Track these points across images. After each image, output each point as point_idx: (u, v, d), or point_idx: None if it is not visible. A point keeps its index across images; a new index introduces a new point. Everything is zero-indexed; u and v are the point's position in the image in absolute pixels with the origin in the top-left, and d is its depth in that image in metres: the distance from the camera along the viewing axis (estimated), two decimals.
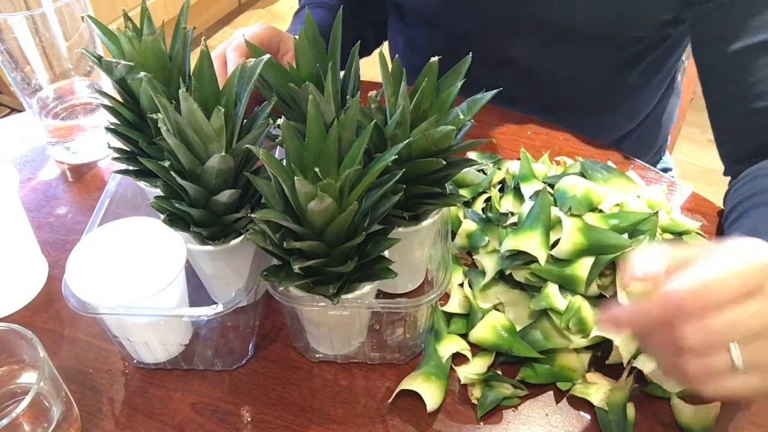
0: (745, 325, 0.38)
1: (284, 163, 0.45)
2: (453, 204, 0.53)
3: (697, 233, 0.65)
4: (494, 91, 0.48)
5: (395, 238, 0.48)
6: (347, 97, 0.55)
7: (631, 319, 0.42)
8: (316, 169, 0.42)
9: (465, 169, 0.67)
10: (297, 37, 0.55)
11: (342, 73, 0.56)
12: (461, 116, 0.46)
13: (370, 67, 0.64)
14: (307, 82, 0.50)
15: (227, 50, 0.63)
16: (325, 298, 0.47)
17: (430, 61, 0.47)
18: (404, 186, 0.46)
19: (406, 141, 0.45)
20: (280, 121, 0.44)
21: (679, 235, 0.65)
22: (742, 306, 0.38)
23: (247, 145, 0.45)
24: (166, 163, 0.49)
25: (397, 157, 0.45)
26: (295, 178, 0.41)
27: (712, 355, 0.38)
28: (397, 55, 0.50)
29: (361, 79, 0.58)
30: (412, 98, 0.46)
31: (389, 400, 0.54)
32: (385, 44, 1.02)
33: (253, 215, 0.45)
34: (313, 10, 0.84)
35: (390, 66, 0.50)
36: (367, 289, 0.49)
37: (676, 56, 0.86)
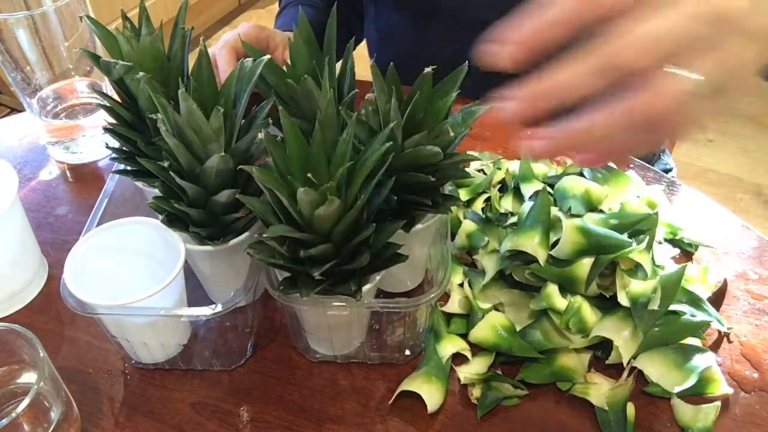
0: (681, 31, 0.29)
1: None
2: (444, 213, 0.53)
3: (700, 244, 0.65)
4: (489, 106, 0.47)
5: (399, 221, 0.48)
6: (345, 90, 0.55)
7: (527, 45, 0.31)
8: (309, 175, 0.42)
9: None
10: (291, 37, 0.54)
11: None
12: (451, 133, 0.47)
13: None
14: (305, 76, 0.49)
15: (216, 51, 0.63)
16: (342, 297, 0.47)
17: (424, 72, 0.47)
18: (394, 177, 0.46)
19: (395, 145, 0.45)
20: (261, 135, 0.44)
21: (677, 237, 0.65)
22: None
23: (241, 167, 0.45)
24: (165, 164, 0.49)
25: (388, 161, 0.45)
26: (300, 189, 0.41)
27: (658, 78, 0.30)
28: (392, 63, 0.49)
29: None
30: (406, 109, 0.46)
31: (389, 401, 0.53)
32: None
33: (264, 236, 0.44)
34: (297, 9, 0.85)
35: (370, 74, 0.49)
36: (369, 287, 0.49)
37: None
